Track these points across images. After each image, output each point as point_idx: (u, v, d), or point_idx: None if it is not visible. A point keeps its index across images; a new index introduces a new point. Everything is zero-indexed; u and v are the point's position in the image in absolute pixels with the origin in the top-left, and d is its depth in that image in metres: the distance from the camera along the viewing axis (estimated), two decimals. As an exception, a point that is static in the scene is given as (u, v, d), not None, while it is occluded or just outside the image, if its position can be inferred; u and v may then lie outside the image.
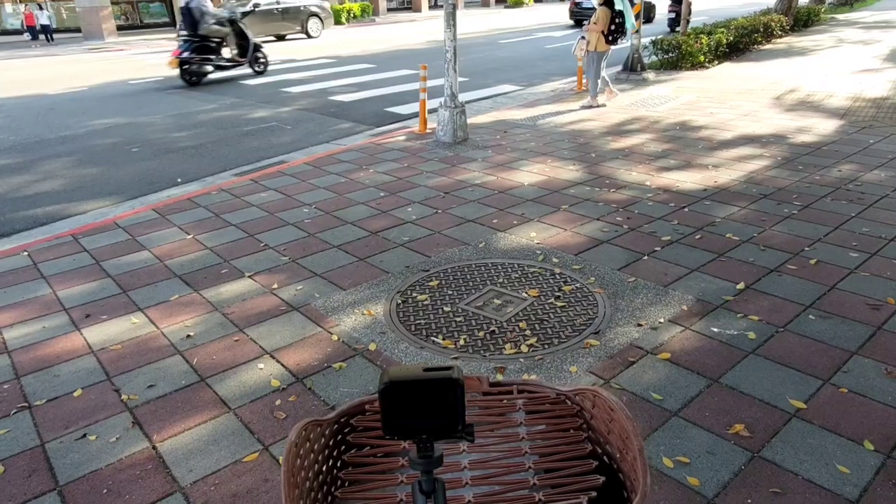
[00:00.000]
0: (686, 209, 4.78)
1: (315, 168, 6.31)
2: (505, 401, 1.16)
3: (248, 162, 6.79)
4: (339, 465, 1.10)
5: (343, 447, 1.11)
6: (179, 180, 6.23)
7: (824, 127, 7.15)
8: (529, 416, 1.13)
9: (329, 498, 1.04)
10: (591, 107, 8.65)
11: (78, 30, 24.26)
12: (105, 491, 2.33)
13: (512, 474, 1.01)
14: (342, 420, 1.11)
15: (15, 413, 2.80)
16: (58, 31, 25.17)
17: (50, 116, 9.65)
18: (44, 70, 15.39)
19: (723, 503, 2.14)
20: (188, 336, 3.36)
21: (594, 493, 0.95)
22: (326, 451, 1.09)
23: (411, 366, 0.64)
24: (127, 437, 2.62)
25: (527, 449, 1.06)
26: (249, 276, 4.01)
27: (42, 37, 23.45)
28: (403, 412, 0.64)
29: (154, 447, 2.55)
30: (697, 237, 4.27)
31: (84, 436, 2.64)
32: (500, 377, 1.11)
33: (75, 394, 2.91)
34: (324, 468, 1.07)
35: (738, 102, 8.62)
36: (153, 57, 17.08)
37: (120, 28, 24.62)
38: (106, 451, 2.54)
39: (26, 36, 23.85)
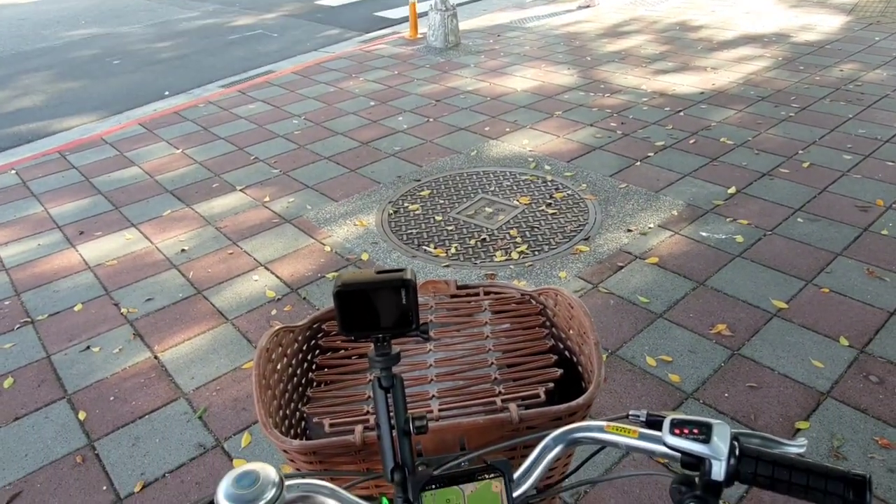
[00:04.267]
0: (681, 113, 4.70)
1: (303, 77, 6.14)
2: (472, 302, 1.20)
3: (234, 73, 6.59)
4: (313, 368, 1.15)
5: (317, 351, 1.16)
6: (167, 93, 6.08)
7: (829, 24, 6.90)
8: (495, 316, 1.17)
9: (304, 399, 1.10)
10: (588, 6, 8.30)
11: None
12: (112, 398, 2.44)
13: (475, 370, 1.05)
14: (315, 326, 1.15)
15: (18, 328, 2.88)
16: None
17: (24, 28, 9.26)
18: (14, -23, 14.61)
19: (701, 397, 2.25)
20: (182, 250, 3.40)
21: (551, 385, 1.00)
22: (301, 356, 1.14)
23: (365, 270, 0.67)
24: (129, 348, 2.71)
25: (490, 346, 1.10)
26: (241, 190, 4.00)
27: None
28: (358, 314, 0.66)
29: (156, 357, 2.64)
30: (691, 142, 4.23)
31: (88, 348, 2.72)
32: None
33: (76, 308, 2.98)
34: (298, 371, 1.12)
35: (741, -1, 8.27)
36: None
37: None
38: (110, 362, 2.63)
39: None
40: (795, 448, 0.70)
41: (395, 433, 0.70)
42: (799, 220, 3.28)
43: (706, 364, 2.40)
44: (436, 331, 1.14)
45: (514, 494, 0.70)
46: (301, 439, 1.07)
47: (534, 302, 1.19)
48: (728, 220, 3.32)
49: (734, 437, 0.66)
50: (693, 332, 2.56)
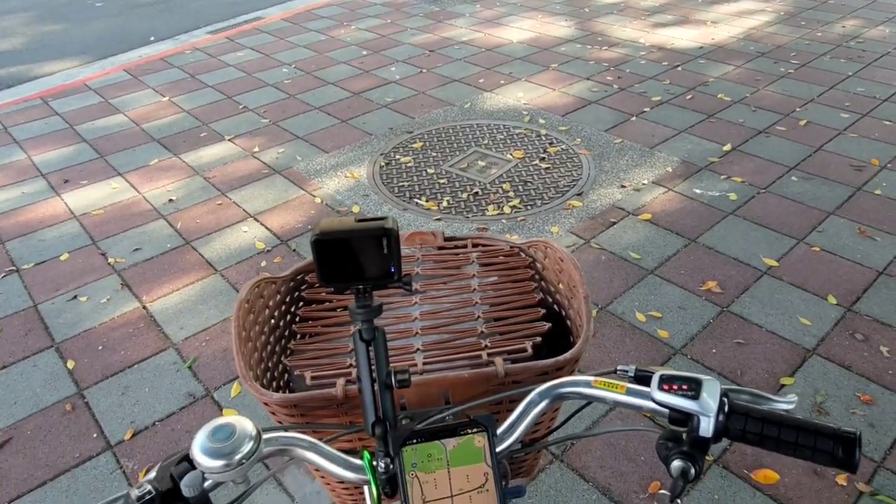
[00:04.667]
0: (679, 68, 4.62)
1: (293, 24, 5.96)
2: (459, 255, 1.17)
3: (222, 18, 6.39)
4: (296, 320, 1.13)
5: (300, 303, 1.14)
6: (153, 38, 5.89)
7: (833, -22, 6.73)
8: (483, 269, 1.14)
9: (286, 351, 1.08)
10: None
11: None
12: (100, 347, 2.43)
13: (461, 323, 1.04)
14: (298, 277, 1.13)
15: (4, 276, 2.85)
16: None
17: (3, -33, 8.89)
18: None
19: (689, 353, 2.27)
20: (170, 200, 3.35)
21: (539, 339, 0.99)
22: (283, 307, 1.12)
23: (344, 218, 0.64)
24: (117, 298, 2.68)
25: (477, 299, 1.08)
26: (229, 140, 3.92)
27: None
28: (338, 264, 0.64)
29: (144, 307, 2.63)
30: (688, 97, 4.17)
31: (75, 297, 2.70)
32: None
33: (62, 258, 2.94)
34: (280, 323, 1.10)
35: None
36: None
37: None
38: (98, 311, 2.61)
39: None
40: (785, 405, 0.70)
41: (376, 387, 0.68)
42: (793, 178, 3.26)
43: (695, 320, 2.41)
44: (422, 283, 1.11)
45: (498, 449, 0.69)
46: (284, 392, 1.06)
47: (523, 255, 1.17)
48: (722, 177, 3.30)
49: (723, 394, 0.65)
50: (683, 288, 2.57)
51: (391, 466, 0.67)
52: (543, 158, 3.52)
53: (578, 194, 3.20)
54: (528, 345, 0.95)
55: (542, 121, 3.93)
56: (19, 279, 2.82)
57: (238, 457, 0.62)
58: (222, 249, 2.95)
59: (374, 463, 0.68)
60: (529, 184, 3.29)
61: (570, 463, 1.91)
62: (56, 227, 3.17)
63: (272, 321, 1.07)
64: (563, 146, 3.64)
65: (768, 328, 2.36)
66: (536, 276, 1.15)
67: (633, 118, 3.93)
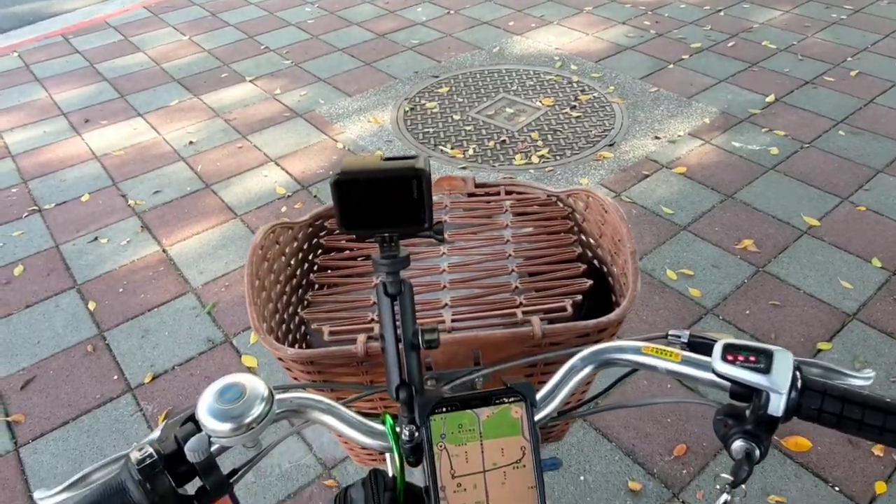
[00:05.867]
0: (721, 13, 4.36)
1: (317, -39, 5.73)
2: (491, 202, 1.08)
3: (243, -46, 6.16)
4: (314, 269, 1.06)
5: (319, 251, 1.07)
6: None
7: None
8: (516, 219, 1.05)
9: (303, 302, 1.01)
10: None
11: None
12: (121, 290, 2.42)
13: (493, 278, 0.95)
14: (317, 223, 1.06)
15: (27, 216, 2.83)
16: None
17: None
18: None
19: (721, 313, 2.18)
20: (190, 142, 3.28)
21: (579, 297, 0.90)
22: (301, 255, 1.04)
23: (369, 156, 0.55)
24: (137, 240, 2.66)
25: (511, 252, 0.99)
26: (251, 81, 3.82)
27: None
28: (361, 208, 0.56)
29: (164, 250, 2.60)
30: (730, 44, 3.93)
31: (96, 239, 2.68)
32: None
33: (83, 199, 2.92)
34: (297, 272, 1.03)
35: None
36: None
37: None
38: (118, 254, 2.59)
39: None
40: (861, 380, 0.62)
41: (401, 346, 0.61)
42: (840, 132, 3.08)
43: (729, 280, 2.31)
44: (450, 232, 1.03)
45: (535, 419, 0.62)
46: (300, 347, 1.00)
47: (561, 204, 1.07)
48: (764, 130, 3.13)
49: (796, 367, 0.57)
50: (717, 246, 2.46)
51: (416, 435, 0.60)
52: (574, 107, 3.36)
53: (610, 145, 3.07)
54: (568, 303, 0.87)
55: (573, 67, 3.75)
56: (41, 219, 2.81)
57: (248, 420, 0.56)
58: (242, 194, 2.89)
59: (398, 429, 0.61)
60: (559, 133, 3.16)
61: (594, 422, 1.86)
62: (77, 167, 3.14)
63: (288, 269, 1.01)
64: (596, 94, 3.47)
65: (806, 290, 2.25)
66: (575, 229, 1.05)
67: (671, 66, 3.73)
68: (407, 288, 0.61)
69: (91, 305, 2.35)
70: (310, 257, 1.06)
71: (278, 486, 1.75)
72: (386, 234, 0.58)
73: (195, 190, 2.94)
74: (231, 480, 0.59)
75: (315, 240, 1.07)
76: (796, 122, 3.17)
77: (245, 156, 3.16)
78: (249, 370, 2.05)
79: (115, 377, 2.08)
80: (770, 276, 2.32)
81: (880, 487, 1.67)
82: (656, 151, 3.01)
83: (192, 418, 0.58)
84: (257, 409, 0.57)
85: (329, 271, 1.01)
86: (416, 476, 0.63)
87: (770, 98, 3.37)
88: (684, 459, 1.76)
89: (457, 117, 3.32)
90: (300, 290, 1.02)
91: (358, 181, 0.54)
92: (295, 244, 1.02)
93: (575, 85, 3.56)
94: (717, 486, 0.63)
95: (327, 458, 1.81)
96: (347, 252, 1.03)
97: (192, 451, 0.56)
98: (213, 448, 0.57)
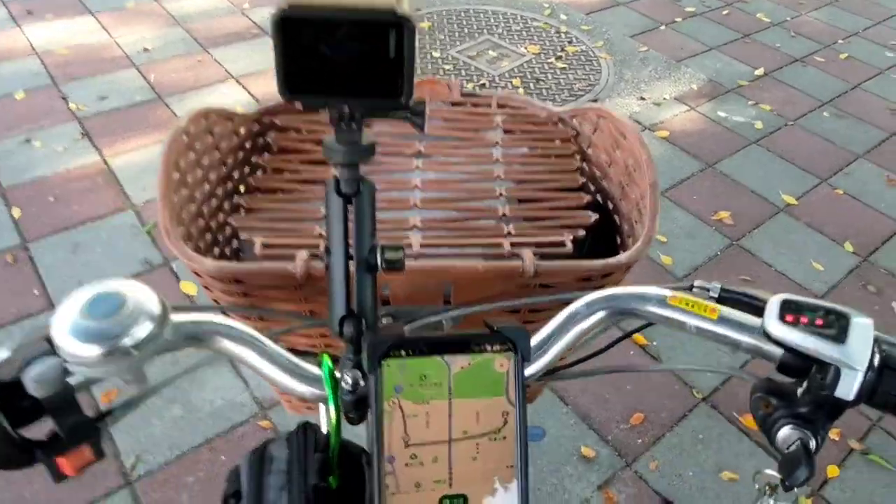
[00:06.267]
0: (719, -21, 4.20)
1: None
2: (480, 116, 0.92)
3: None
4: (255, 171, 0.88)
5: (265, 154, 0.89)
6: None
7: None
8: (509, 137, 0.89)
9: (237, 209, 0.84)
10: None
11: None
12: (52, 199, 2.19)
13: (477, 201, 0.79)
14: (265, 119, 0.89)
15: (-49, 108, 2.55)
16: None
17: None
18: None
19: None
20: (145, 49, 3.00)
21: (582, 232, 0.76)
22: (242, 154, 0.88)
23: None
24: (75, 147, 2.42)
25: (500, 173, 0.83)
26: (217, -9, 3.51)
27: None
28: (313, 63, 0.39)
29: (105, 161, 2.37)
30: (724, 13, 3.80)
31: (28, 140, 2.42)
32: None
33: (17, 95, 2.64)
34: (234, 173, 0.87)
35: None
36: None
37: None
38: (52, 159, 2.35)
39: None
40: None
41: (352, 265, 0.47)
42: (825, 113, 3.01)
43: (702, 250, 2.23)
44: (427, 144, 0.88)
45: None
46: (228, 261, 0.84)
47: (563, 125, 0.93)
48: (750, 102, 3.03)
49: (875, 339, 0.45)
50: (694, 215, 2.37)
51: (361, 384, 0.46)
52: (560, 57, 3.20)
53: (593, 100, 2.93)
54: (568, 238, 0.73)
55: (563, 16, 3.57)
56: (-33, 113, 2.53)
57: (125, 342, 0.41)
58: (198, 110, 2.66)
59: (339, 375, 0.47)
60: (542, 82, 3.00)
61: (550, 383, 1.78)
62: (13, 61, 2.84)
63: (224, 169, 0.84)
64: (583, 47, 3.31)
65: (778, 268, 2.19)
66: (578, 156, 0.90)
67: (663, 27, 3.59)
68: (367, 188, 0.46)
69: (15, 212, 2.13)
70: (252, 159, 0.89)
71: (209, 423, 1.61)
72: (345, 107, 0.42)
73: (146, 100, 2.69)
74: (97, 425, 0.44)
75: (262, 139, 0.90)
76: (783, 99, 3.08)
77: (205, 70, 2.90)
78: (189, 299, 1.89)
79: (36, 292, 1.88)
80: (743, 250, 2.25)
81: (832, 471, 1.64)
82: (640, 112, 2.89)
83: (48, 338, 0.42)
84: (140, 330, 0.42)
85: (273, 174, 0.85)
86: (361, 436, 0.49)
87: (759, 71, 3.27)
88: (640, 428, 1.69)
89: (436, 55, 3.12)
90: (235, 196, 0.85)
91: (311, 21, 0.38)
92: (235, 140, 0.86)
93: (563, 35, 3.39)
94: (757, 488, 0.51)
95: (265, 397, 1.68)
96: (301, 156, 0.86)
97: (37, 381, 0.40)
98: (72, 379, 0.42)
